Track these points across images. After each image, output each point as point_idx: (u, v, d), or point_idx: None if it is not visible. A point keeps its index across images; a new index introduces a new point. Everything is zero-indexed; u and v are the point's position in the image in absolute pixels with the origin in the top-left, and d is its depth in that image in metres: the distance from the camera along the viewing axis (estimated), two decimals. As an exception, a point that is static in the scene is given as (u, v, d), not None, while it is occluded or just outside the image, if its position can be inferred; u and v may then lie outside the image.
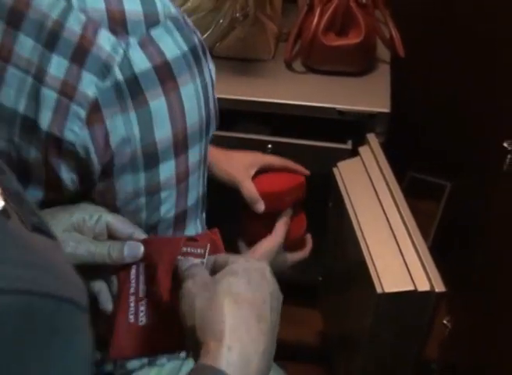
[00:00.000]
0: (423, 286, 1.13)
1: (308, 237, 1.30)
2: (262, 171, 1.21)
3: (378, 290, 1.13)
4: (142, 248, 0.70)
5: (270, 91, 1.45)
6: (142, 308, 0.70)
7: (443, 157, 1.90)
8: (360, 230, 1.25)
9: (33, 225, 0.39)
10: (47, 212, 0.71)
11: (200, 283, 0.60)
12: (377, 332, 1.24)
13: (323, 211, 1.48)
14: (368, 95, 1.44)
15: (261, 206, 1.14)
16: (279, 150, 1.46)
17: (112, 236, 0.72)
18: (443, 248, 1.83)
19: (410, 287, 1.13)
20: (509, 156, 1.32)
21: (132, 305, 0.70)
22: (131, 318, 0.70)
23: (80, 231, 0.71)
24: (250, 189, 1.15)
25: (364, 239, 1.24)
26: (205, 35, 1.47)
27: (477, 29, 1.67)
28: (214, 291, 0.58)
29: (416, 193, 1.95)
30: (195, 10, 1.43)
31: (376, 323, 1.21)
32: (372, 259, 1.19)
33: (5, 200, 0.36)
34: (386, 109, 1.40)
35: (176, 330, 0.63)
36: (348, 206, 1.31)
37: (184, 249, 0.70)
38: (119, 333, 0.68)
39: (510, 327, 1.28)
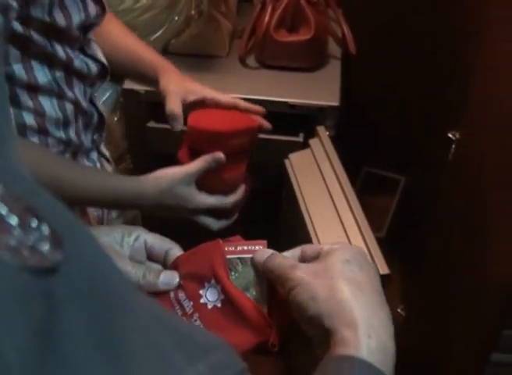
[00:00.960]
0: (368, 269, 1.17)
1: (240, 190, 1.11)
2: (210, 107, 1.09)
3: (326, 274, 1.17)
4: (177, 279, 0.68)
5: (225, 86, 1.47)
6: (196, 323, 0.65)
7: (397, 152, 1.96)
8: (310, 218, 1.30)
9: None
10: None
11: (309, 271, 0.58)
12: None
13: (277, 200, 1.52)
14: (319, 90, 1.48)
15: (177, 125, 1.04)
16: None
17: (149, 253, 0.72)
18: (397, 240, 1.89)
19: (356, 271, 1.17)
20: (453, 146, 1.37)
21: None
22: None
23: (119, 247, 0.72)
24: (174, 103, 1.04)
25: (313, 227, 1.28)
26: (160, 32, 1.51)
27: (426, 28, 1.73)
28: (331, 278, 0.56)
29: (371, 188, 2.00)
30: (150, 8, 1.47)
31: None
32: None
33: None
34: (336, 103, 1.45)
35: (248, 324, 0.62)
36: (298, 196, 1.35)
37: (232, 248, 0.68)
38: None
39: (459, 313, 1.33)
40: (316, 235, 1.27)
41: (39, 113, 0.91)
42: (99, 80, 1.03)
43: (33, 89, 0.89)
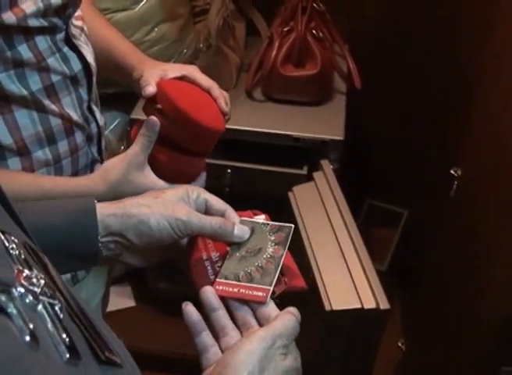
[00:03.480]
0: (369, 304, 1.18)
1: (202, 177, 1.02)
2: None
3: (327, 307, 1.18)
4: (248, 234, 0.75)
5: (231, 118, 1.50)
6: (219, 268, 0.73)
7: (401, 185, 1.97)
8: (313, 252, 1.31)
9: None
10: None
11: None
12: (327, 349, 1.28)
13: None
14: (323, 123, 1.51)
15: (149, 88, 0.92)
16: (237, 174, 1.52)
17: (208, 211, 0.75)
18: (399, 274, 1.89)
19: (357, 305, 1.18)
20: (455, 183, 1.39)
21: (209, 267, 0.74)
22: (211, 278, 0.72)
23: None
24: (150, 76, 0.95)
25: (316, 263, 1.29)
26: (169, 64, 1.53)
27: (430, 66, 1.76)
28: None
29: (374, 220, 2.01)
30: (159, 40, 1.50)
31: (326, 340, 1.26)
32: (323, 281, 1.24)
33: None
34: (340, 137, 1.47)
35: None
36: (301, 229, 1.36)
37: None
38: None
39: (459, 347, 1.33)
40: (317, 267, 1.28)
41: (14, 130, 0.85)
42: (86, 82, 0.95)
43: (5, 100, 0.83)
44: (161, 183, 0.92)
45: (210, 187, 0.98)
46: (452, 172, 1.37)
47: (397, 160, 1.96)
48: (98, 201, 0.73)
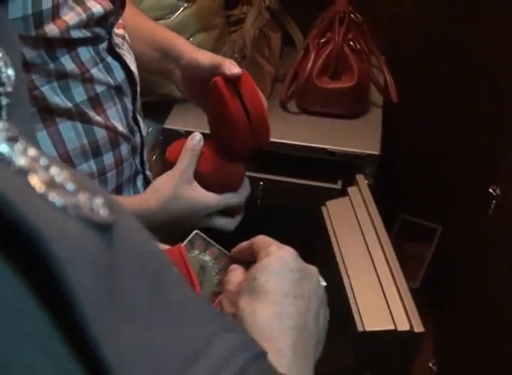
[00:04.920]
0: (403, 326, 1.15)
1: (246, 183, 1.04)
2: None
3: (360, 328, 1.15)
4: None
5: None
6: None
7: (435, 200, 1.93)
8: (345, 269, 1.28)
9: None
10: None
11: (250, 302, 0.59)
12: (359, 371, 1.25)
13: (312, 248, 1.50)
14: (359, 137, 1.48)
15: (236, 68, 0.90)
16: (270, 187, 1.49)
17: None
18: (431, 291, 1.85)
19: (391, 327, 1.15)
20: (494, 202, 1.35)
21: None
22: None
23: None
24: (221, 59, 0.94)
25: (349, 279, 1.26)
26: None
27: (470, 80, 1.72)
28: (273, 305, 0.58)
29: (407, 235, 1.98)
30: (194, 50, 1.48)
31: (357, 361, 1.23)
32: (355, 299, 1.22)
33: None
34: (376, 152, 1.44)
35: None
36: (334, 245, 1.34)
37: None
38: None
39: (493, 372, 1.30)
40: (350, 285, 1.25)
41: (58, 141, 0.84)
42: (131, 92, 0.94)
43: (49, 113, 0.82)
44: (211, 195, 0.93)
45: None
46: (490, 190, 1.34)
47: (433, 175, 1.93)
48: (151, 218, 0.77)
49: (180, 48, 1.01)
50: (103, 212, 0.29)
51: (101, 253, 0.28)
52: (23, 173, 0.26)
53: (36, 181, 0.26)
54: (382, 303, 1.20)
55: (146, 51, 1.02)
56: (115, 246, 0.29)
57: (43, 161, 0.27)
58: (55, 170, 0.28)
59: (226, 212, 0.98)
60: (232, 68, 0.89)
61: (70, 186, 0.28)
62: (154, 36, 1.04)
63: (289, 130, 1.50)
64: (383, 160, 1.48)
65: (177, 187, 0.90)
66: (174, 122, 1.51)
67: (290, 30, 1.73)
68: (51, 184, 0.27)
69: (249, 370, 0.32)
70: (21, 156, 0.27)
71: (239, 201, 0.98)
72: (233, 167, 0.98)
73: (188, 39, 1.47)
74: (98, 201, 0.29)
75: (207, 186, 0.94)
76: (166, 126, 1.50)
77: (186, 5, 1.44)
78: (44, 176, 0.27)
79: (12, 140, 0.27)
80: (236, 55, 1.57)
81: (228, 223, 0.98)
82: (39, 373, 0.23)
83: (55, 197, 0.27)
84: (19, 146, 0.27)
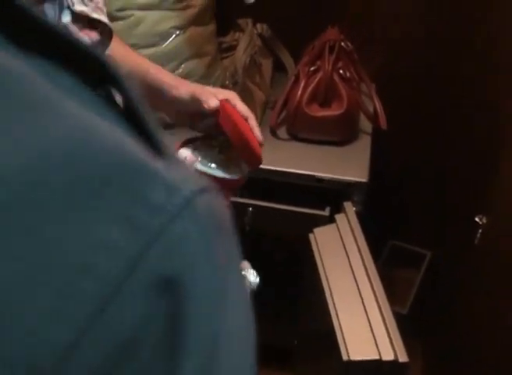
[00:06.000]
0: (387, 355, 1.15)
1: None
2: None
3: (344, 357, 1.16)
4: None
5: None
6: None
7: (424, 227, 1.94)
8: (331, 297, 1.28)
9: None
10: None
11: None
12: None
13: (299, 274, 1.51)
14: (348, 165, 1.49)
15: (214, 101, 0.94)
16: (259, 213, 1.50)
17: None
18: (420, 317, 1.85)
19: (375, 356, 1.15)
20: (480, 231, 1.36)
21: None
22: None
23: None
24: (204, 91, 0.97)
25: (335, 307, 1.27)
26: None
27: (459, 107, 1.74)
28: None
29: (396, 261, 1.98)
30: (186, 77, 1.50)
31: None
32: (341, 327, 1.22)
33: None
34: (364, 179, 1.45)
35: None
36: (321, 273, 1.34)
37: None
38: None
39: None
40: (336, 313, 1.26)
41: None
42: None
43: None
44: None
45: None
46: (476, 219, 1.35)
47: (421, 202, 1.94)
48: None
49: (163, 83, 1.02)
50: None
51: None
52: None
53: None
54: (367, 332, 1.20)
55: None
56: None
57: None
58: None
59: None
60: (210, 103, 0.93)
61: None
62: (138, 71, 1.05)
63: (279, 157, 1.51)
64: (372, 186, 1.49)
65: None
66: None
67: (282, 57, 1.75)
68: None
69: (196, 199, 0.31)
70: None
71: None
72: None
73: (180, 65, 1.49)
74: None
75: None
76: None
77: (178, 32, 1.46)
78: None
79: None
80: (227, 82, 1.58)
81: None
82: None
83: None
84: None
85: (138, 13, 1.42)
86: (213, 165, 0.96)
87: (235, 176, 0.97)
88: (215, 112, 0.93)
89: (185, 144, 0.98)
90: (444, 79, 1.76)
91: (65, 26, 0.34)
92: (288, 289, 1.60)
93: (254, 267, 1.39)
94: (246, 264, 0.79)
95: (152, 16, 1.43)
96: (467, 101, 1.67)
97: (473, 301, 1.46)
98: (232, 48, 1.67)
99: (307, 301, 1.50)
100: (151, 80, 1.03)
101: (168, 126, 1.45)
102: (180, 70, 1.48)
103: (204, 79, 1.53)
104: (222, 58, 1.66)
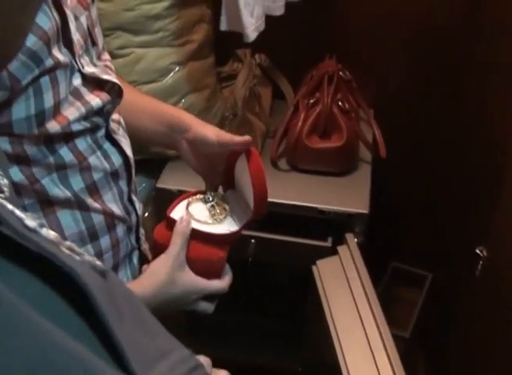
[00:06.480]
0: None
1: (228, 268, 1.03)
2: None
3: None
4: None
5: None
6: None
7: (425, 249, 1.95)
8: (336, 331, 1.30)
9: None
10: None
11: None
12: None
13: (302, 305, 1.52)
14: (348, 196, 1.50)
15: (246, 138, 0.94)
16: (261, 245, 1.52)
17: None
18: (423, 341, 1.87)
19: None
20: (480, 262, 1.37)
21: None
22: None
23: None
24: (224, 133, 0.98)
25: (338, 337, 1.28)
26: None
27: (458, 137, 1.75)
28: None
29: (398, 282, 2.00)
30: (187, 111, 1.50)
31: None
32: (345, 361, 1.24)
33: None
34: (365, 210, 1.47)
35: None
36: (325, 305, 1.36)
37: None
38: None
39: None
40: (339, 343, 1.27)
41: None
42: (126, 175, 0.95)
43: (48, 203, 0.83)
44: (201, 281, 0.95)
45: (233, 257, 1.00)
46: (477, 251, 1.36)
47: (422, 228, 1.95)
48: (147, 304, 0.76)
49: (186, 120, 1.03)
50: (100, 265, 0.44)
51: (104, 285, 0.41)
52: (56, 244, 0.41)
53: (64, 249, 0.42)
54: (371, 365, 1.22)
55: (150, 126, 1.04)
56: (109, 284, 0.43)
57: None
58: (68, 243, 0.43)
59: (206, 296, 0.99)
60: (241, 138, 0.94)
61: (80, 250, 0.43)
62: (157, 110, 1.06)
63: (280, 189, 1.52)
64: (374, 209, 1.50)
65: (171, 271, 0.92)
66: (166, 181, 1.53)
67: (281, 85, 1.76)
68: (71, 250, 0.42)
69: None
70: (50, 235, 0.42)
71: (223, 288, 0.99)
72: (216, 251, 0.97)
73: (180, 100, 1.50)
74: (95, 259, 0.44)
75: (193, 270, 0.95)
76: (159, 185, 1.52)
77: (177, 68, 1.47)
78: (66, 246, 0.42)
79: (41, 225, 0.41)
80: (227, 113, 1.60)
81: (208, 308, 1.00)
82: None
83: (76, 256, 0.42)
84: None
85: (138, 51, 1.43)
86: (209, 220, 0.97)
87: (232, 230, 0.98)
88: (233, 154, 0.96)
89: (180, 200, 0.99)
90: (445, 107, 1.77)
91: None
92: (292, 317, 1.61)
93: (257, 298, 1.40)
94: None
95: (152, 52, 1.44)
96: (469, 128, 1.67)
97: (473, 328, 1.47)
98: (231, 77, 1.68)
99: (311, 330, 1.52)
100: (173, 117, 1.04)
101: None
102: (180, 105, 1.49)
103: (205, 112, 1.54)
104: (221, 89, 1.67)
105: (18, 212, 0.42)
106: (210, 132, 0.99)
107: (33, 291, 0.37)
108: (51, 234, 0.42)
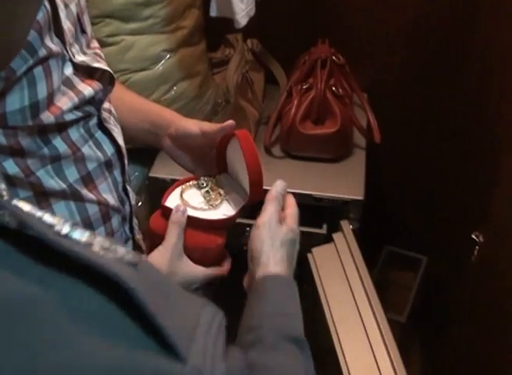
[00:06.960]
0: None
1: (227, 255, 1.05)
2: None
3: (345, 375, 1.18)
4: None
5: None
6: None
7: (420, 233, 1.95)
8: (332, 318, 1.30)
9: None
10: None
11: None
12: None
13: (298, 291, 1.51)
14: (343, 182, 1.49)
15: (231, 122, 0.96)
16: (256, 232, 1.50)
17: None
18: (419, 324, 1.87)
19: (376, 376, 1.17)
20: (477, 248, 1.37)
21: None
22: None
23: None
24: (211, 125, 0.99)
25: (334, 324, 1.28)
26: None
27: (455, 123, 1.73)
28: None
29: (393, 266, 2.00)
30: (178, 98, 1.49)
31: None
32: (342, 348, 1.24)
33: None
34: (360, 197, 1.46)
35: None
36: (320, 292, 1.36)
37: None
38: None
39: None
40: (336, 329, 1.27)
41: None
42: (119, 164, 0.95)
43: (43, 195, 0.83)
44: (199, 269, 0.95)
45: (228, 245, 0.99)
46: (473, 237, 1.35)
47: (417, 212, 1.95)
48: None
49: (167, 116, 1.04)
50: (130, 257, 0.45)
51: (142, 281, 0.43)
52: (88, 245, 0.43)
53: (96, 248, 0.44)
54: (367, 350, 1.23)
55: (134, 123, 1.04)
56: (143, 273, 0.46)
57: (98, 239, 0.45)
58: (99, 240, 0.44)
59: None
60: (227, 123, 0.95)
61: (110, 246, 0.45)
62: (141, 108, 1.06)
63: (274, 176, 1.48)
64: (369, 195, 1.49)
65: (170, 263, 0.92)
66: (159, 170, 1.52)
67: (273, 70, 1.74)
68: (104, 249, 0.44)
69: (222, 325, 0.49)
70: (83, 236, 0.43)
71: (223, 274, 0.99)
72: (214, 237, 0.97)
73: (172, 88, 1.48)
74: (125, 252, 0.46)
75: (191, 258, 0.95)
76: (151, 174, 1.51)
77: (168, 55, 1.45)
78: (100, 244, 0.44)
79: (73, 226, 0.44)
80: (219, 100, 1.58)
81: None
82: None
83: (108, 254, 0.44)
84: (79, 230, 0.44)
85: (128, 38, 1.41)
86: (205, 206, 0.96)
87: (229, 214, 0.98)
88: (224, 138, 0.96)
89: (173, 188, 0.98)
90: (442, 91, 1.76)
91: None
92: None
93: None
94: None
95: (142, 40, 1.42)
96: (465, 112, 1.66)
97: (469, 313, 1.47)
98: (223, 62, 1.66)
99: (307, 320, 1.51)
100: (156, 115, 1.05)
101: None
102: (173, 92, 1.48)
103: (197, 99, 1.52)
104: (213, 74, 1.65)
105: (47, 217, 0.43)
106: (192, 124, 0.99)
107: (96, 304, 0.40)
108: (85, 236, 0.43)
